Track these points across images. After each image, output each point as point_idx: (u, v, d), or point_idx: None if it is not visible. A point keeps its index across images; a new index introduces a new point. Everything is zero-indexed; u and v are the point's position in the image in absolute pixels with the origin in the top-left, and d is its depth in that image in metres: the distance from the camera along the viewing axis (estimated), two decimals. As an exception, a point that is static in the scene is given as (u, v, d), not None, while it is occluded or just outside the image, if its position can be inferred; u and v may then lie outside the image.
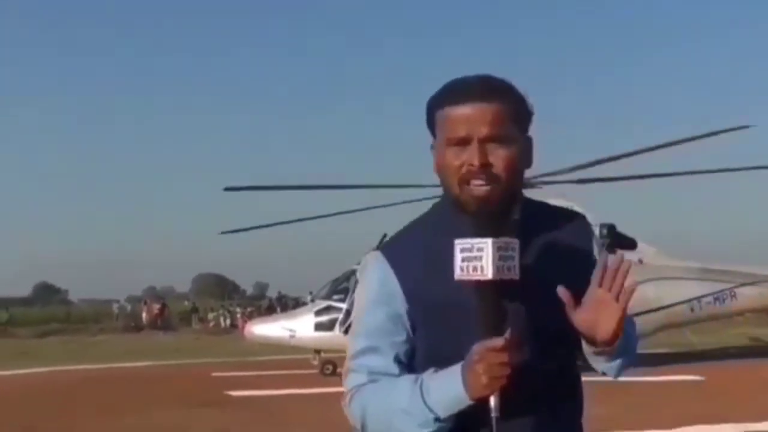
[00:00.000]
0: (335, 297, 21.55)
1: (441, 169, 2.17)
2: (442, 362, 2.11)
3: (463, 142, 2.11)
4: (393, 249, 2.27)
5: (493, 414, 2.01)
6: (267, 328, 21.66)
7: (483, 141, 2.10)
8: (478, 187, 2.10)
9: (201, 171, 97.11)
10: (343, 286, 21.79)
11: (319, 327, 21.13)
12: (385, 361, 2.21)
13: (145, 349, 31.41)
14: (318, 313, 21.51)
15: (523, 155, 2.18)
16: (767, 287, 22.42)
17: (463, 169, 2.12)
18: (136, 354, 28.27)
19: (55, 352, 31.19)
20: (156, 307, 51.04)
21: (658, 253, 23.29)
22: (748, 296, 23.20)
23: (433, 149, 2.21)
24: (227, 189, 22.45)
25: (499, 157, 2.10)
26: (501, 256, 2.00)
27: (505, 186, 2.11)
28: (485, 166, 2.09)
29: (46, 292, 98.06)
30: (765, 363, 21.53)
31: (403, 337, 2.22)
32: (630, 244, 23.04)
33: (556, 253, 2.18)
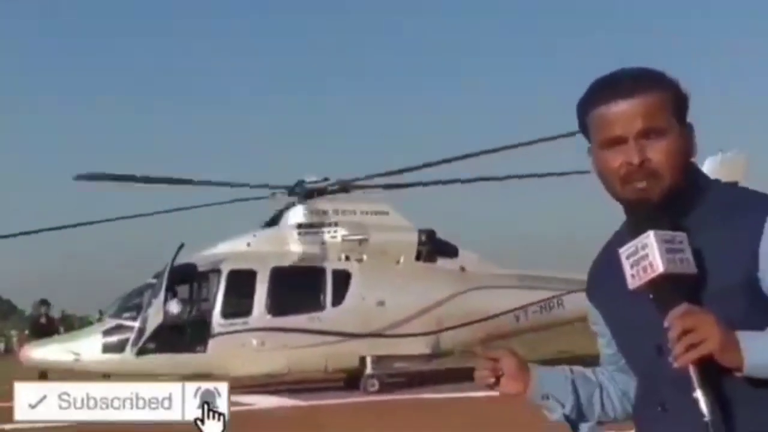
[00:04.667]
0: (126, 315, 20.85)
1: (601, 174, 2.26)
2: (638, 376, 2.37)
3: (619, 141, 2.19)
4: (590, 280, 2.47)
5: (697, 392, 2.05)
6: (47, 351, 20.53)
7: (638, 137, 2.17)
8: (639, 185, 2.17)
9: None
10: (135, 302, 21.18)
11: (107, 348, 20.35)
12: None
13: None
14: (107, 332, 20.70)
15: (685, 144, 2.22)
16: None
17: (622, 170, 2.19)
18: None
19: None
20: None
21: (480, 260, 23.58)
22: (576, 304, 23.29)
23: (590, 153, 2.29)
24: (78, 177, 21.57)
25: (657, 150, 2.17)
26: (668, 248, 2.06)
27: (667, 180, 2.17)
28: (644, 163, 2.17)
29: None
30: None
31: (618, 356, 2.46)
32: (451, 251, 23.29)
33: (730, 244, 2.16)
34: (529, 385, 2.42)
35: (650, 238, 2.07)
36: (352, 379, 21.64)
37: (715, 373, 2.05)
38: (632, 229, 2.16)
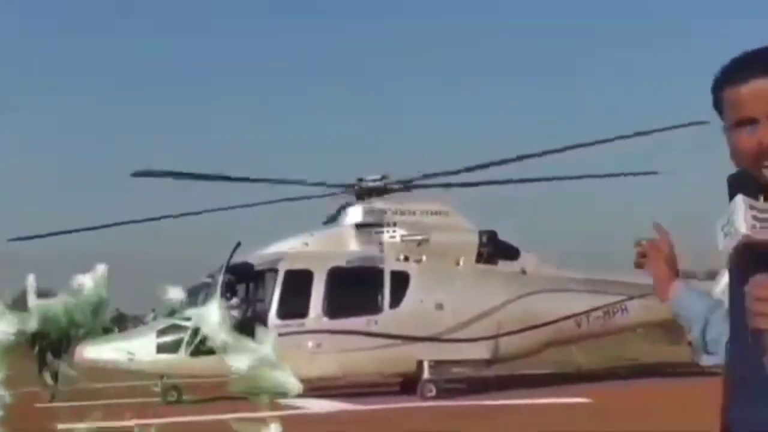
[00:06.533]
0: (180, 314, 20.64)
1: (734, 155, 2.23)
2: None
3: (752, 121, 2.16)
4: None
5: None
6: (101, 351, 20.64)
7: None
8: None
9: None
10: (189, 302, 21.14)
11: (162, 349, 20.51)
12: None
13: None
14: (161, 332, 20.89)
15: None
16: (658, 300, 22.24)
17: (754, 152, 2.16)
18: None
19: None
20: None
21: (541, 262, 23.32)
22: (640, 310, 23.18)
23: (725, 132, 2.25)
24: (135, 174, 21.81)
25: None
26: (754, 215, 2.06)
27: None
28: None
29: None
30: (655, 383, 21.80)
31: None
32: (512, 253, 23.08)
33: None
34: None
35: (737, 202, 2.08)
36: (408, 384, 21.54)
37: None
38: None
